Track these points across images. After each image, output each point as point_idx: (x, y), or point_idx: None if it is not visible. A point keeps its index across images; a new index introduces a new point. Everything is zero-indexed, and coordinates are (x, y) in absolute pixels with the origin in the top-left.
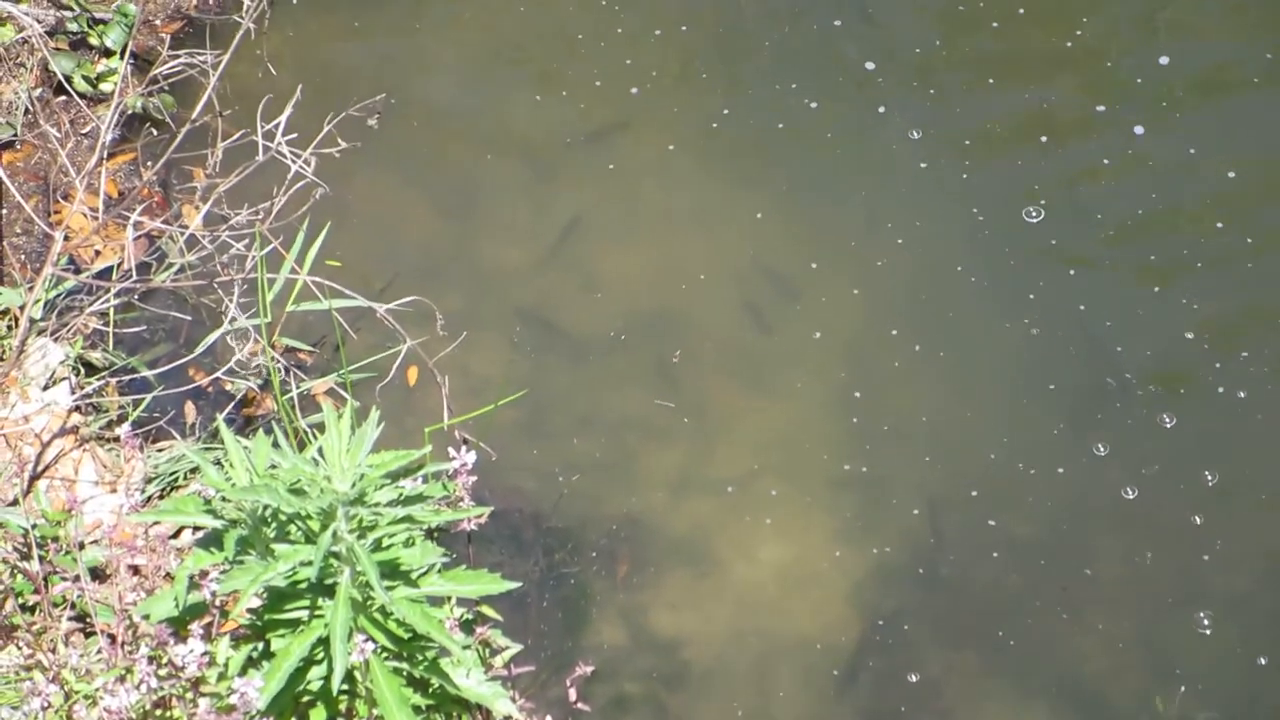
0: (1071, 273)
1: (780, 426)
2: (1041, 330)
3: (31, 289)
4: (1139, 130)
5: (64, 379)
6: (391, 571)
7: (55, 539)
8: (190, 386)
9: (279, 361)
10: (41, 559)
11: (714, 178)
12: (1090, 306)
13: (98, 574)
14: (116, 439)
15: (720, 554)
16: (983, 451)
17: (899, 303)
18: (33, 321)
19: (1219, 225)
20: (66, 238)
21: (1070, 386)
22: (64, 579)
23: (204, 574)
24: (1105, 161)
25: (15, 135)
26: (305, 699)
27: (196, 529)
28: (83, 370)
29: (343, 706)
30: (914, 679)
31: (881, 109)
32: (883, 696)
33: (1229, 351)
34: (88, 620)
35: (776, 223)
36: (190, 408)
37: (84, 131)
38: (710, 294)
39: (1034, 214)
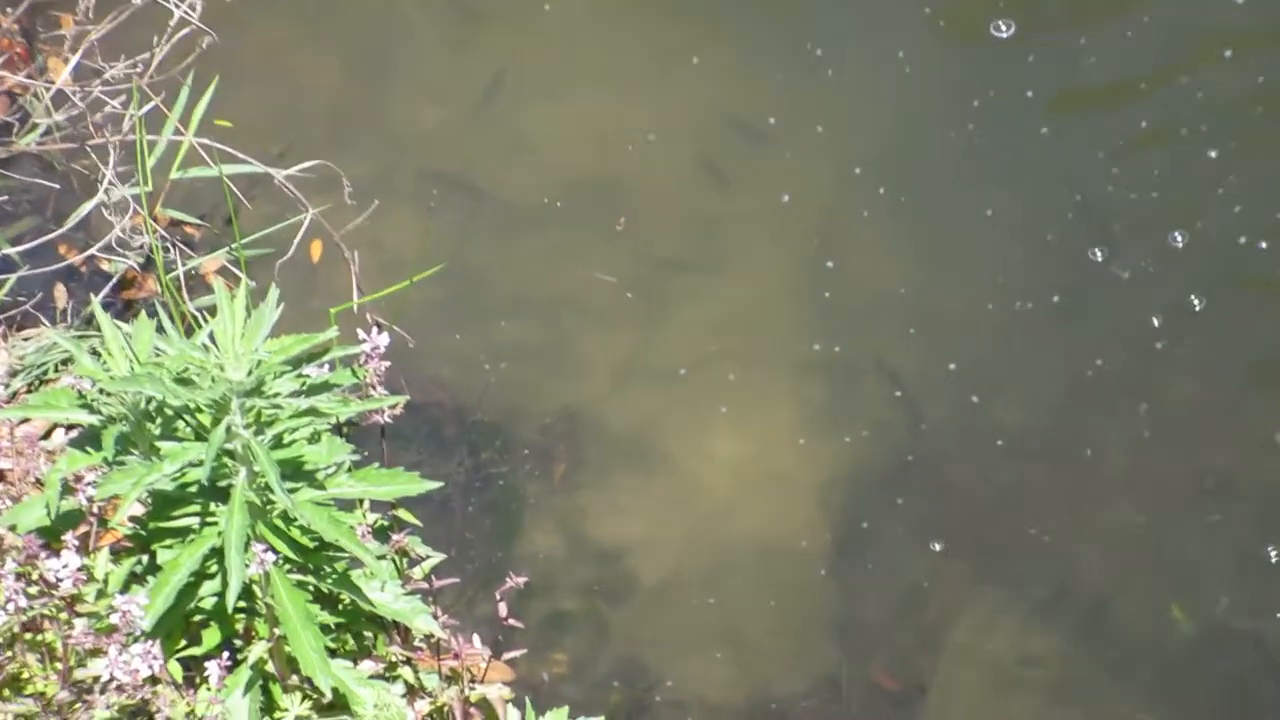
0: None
1: (740, 302)
2: (1030, 180)
3: None
4: None
5: None
6: (294, 471)
7: None
8: (60, 265)
9: (162, 236)
10: None
11: (663, 15)
12: (1077, 150)
13: None
14: None
15: (670, 449)
16: (970, 324)
17: (871, 152)
18: None
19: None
20: None
21: (1063, 246)
22: None
23: (79, 478)
24: None
25: None
26: (197, 618)
27: (70, 427)
28: None
29: (240, 626)
30: (893, 591)
31: None
32: (858, 610)
33: (1249, 207)
34: None
35: (731, 65)
36: (61, 290)
37: None
38: (659, 151)
39: (1003, 29)
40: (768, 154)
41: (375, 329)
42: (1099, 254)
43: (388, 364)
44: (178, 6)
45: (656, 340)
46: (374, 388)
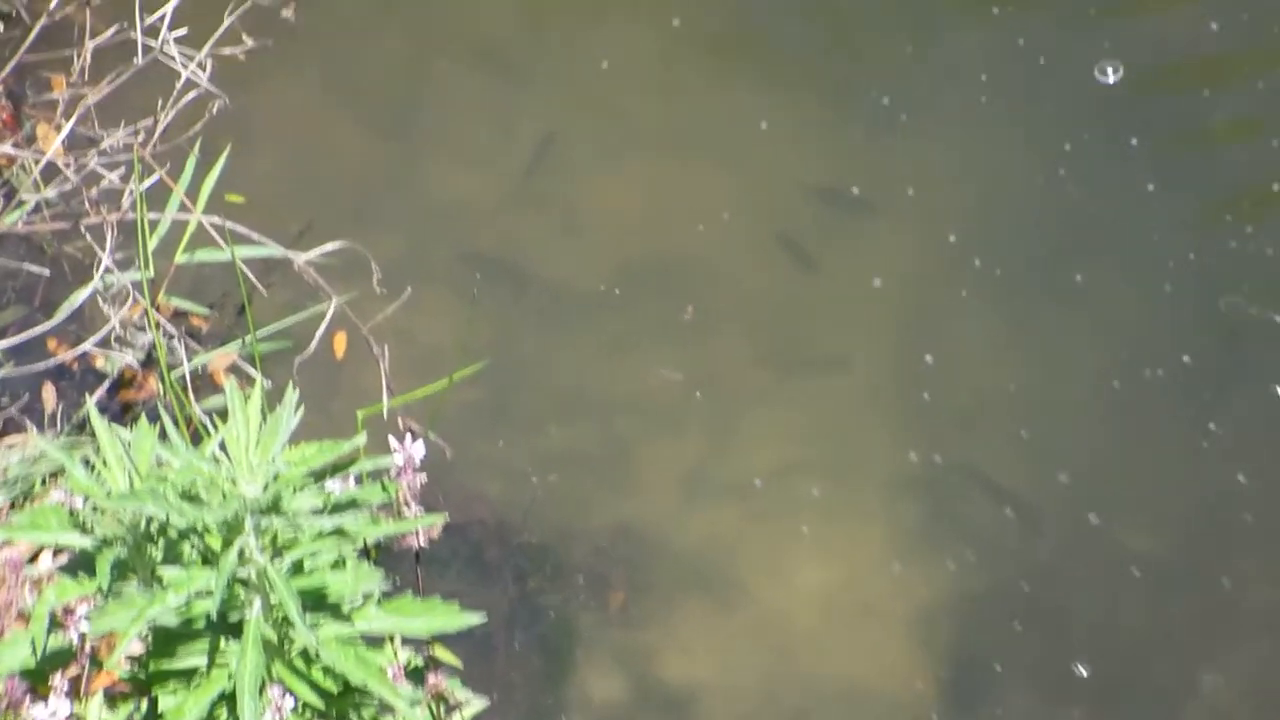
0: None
1: (824, 404)
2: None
3: None
4: None
5: None
6: (316, 603)
7: None
8: (50, 363)
9: (166, 329)
10: None
11: (727, 74)
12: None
13: None
14: None
15: (744, 576)
16: (1089, 417)
17: (966, 216)
18: None
19: None
20: None
21: (1183, 311)
22: None
23: (69, 610)
24: None
25: None
26: None
27: (60, 550)
28: None
29: None
30: None
31: None
32: None
33: None
34: None
35: (805, 128)
36: (50, 391)
37: None
38: (732, 228)
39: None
40: (855, 227)
41: (409, 436)
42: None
43: (423, 477)
44: (184, 66)
45: (728, 448)
46: (407, 505)
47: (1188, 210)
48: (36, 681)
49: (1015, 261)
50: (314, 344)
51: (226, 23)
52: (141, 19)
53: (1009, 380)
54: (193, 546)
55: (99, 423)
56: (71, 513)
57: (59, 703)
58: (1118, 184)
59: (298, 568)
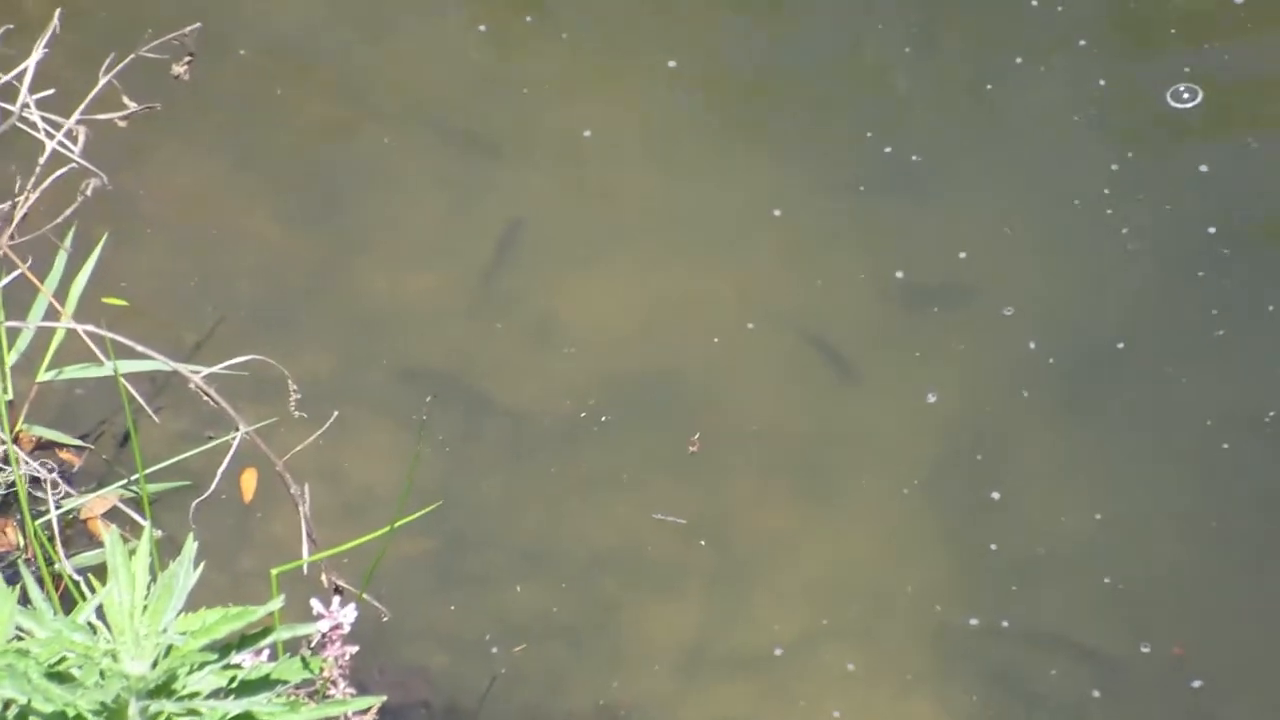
0: None
1: (862, 553)
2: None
3: None
4: None
5: None
6: None
7: None
8: None
9: (28, 465)
10: None
11: (731, 143)
12: None
13: None
14: None
15: None
16: (1195, 581)
17: (1040, 313)
18: None
19: None
20: None
21: None
22: None
23: None
24: None
25: None
26: None
27: None
28: None
29: None
30: None
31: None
32: None
33: None
34: None
35: (842, 217)
36: None
37: None
38: (747, 334)
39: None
40: (904, 324)
41: (336, 598)
42: None
43: (354, 649)
44: (50, 135)
45: (741, 608)
46: (334, 684)
47: None
48: None
49: (1098, 365)
50: (216, 482)
51: (103, 81)
52: None
53: (1091, 516)
54: None
55: None
56: None
57: None
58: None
59: None
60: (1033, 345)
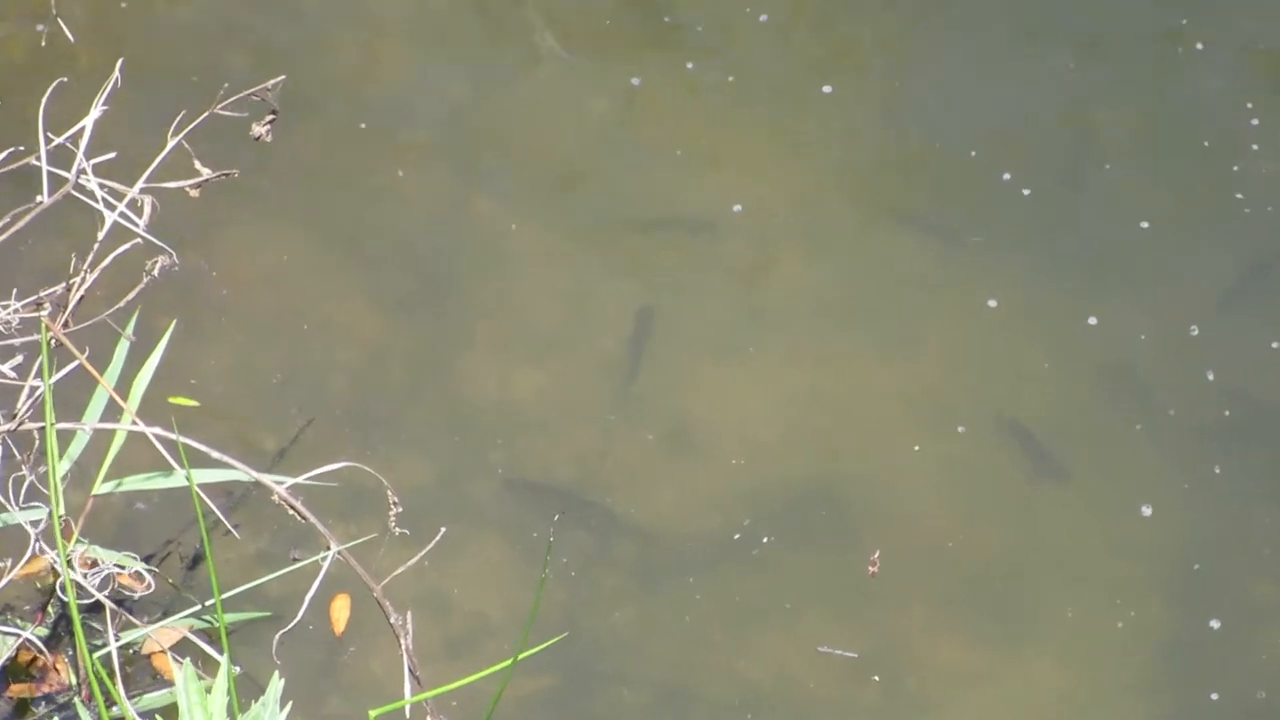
0: None
1: (1057, 697)
2: None
3: None
4: None
5: None
6: None
7: None
8: None
9: (84, 590)
10: None
11: (904, 221)
12: None
13: None
14: None
15: None
16: None
17: None
18: None
19: None
20: None
21: None
22: None
23: None
24: None
25: None
26: None
27: None
28: None
29: None
30: None
31: None
32: None
33: None
34: None
35: (1026, 308)
36: None
37: None
38: (932, 435)
39: None
40: (1123, 421)
41: None
42: None
43: None
44: (110, 206)
45: None
46: None
47: None
48: None
49: None
50: (303, 611)
51: (172, 143)
52: (47, 139)
53: None
54: None
55: None
56: None
57: None
58: None
59: None
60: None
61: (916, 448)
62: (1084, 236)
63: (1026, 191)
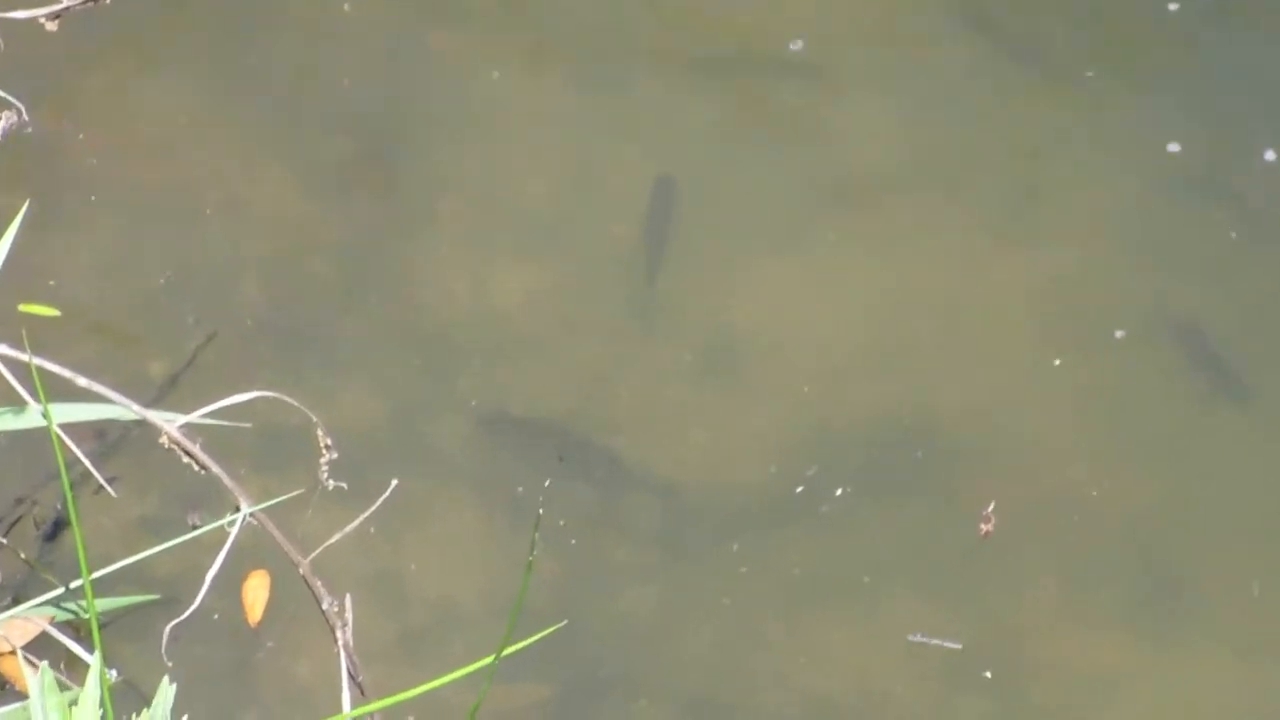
0: None
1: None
2: None
3: None
4: None
5: None
6: None
7: None
8: None
9: None
10: None
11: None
12: None
13: None
14: None
15: None
16: None
17: None
18: None
19: None
20: None
21: None
22: None
23: None
24: None
25: None
26: None
27: None
28: None
29: None
30: None
31: None
32: None
33: None
34: None
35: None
36: None
37: None
38: (1066, 348)
39: None
40: None
41: None
42: None
43: None
44: None
45: None
46: None
47: None
48: None
49: None
50: (202, 593)
51: None
52: None
53: None
54: None
55: None
56: None
57: None
58: None
59: None
60: None
61: (1046, 364)
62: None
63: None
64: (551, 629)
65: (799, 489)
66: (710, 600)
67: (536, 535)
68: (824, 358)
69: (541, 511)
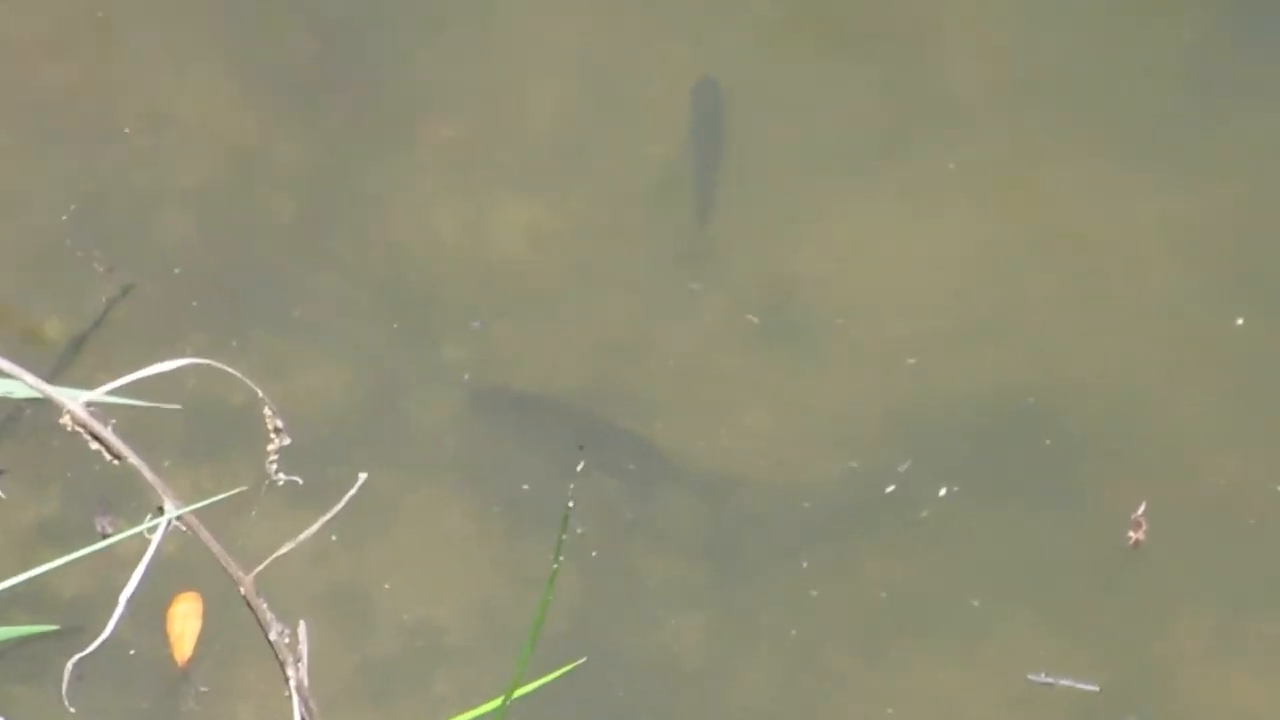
0: None
1: None
2: None
3: None
4: None
5: None
6: None
7: None
8: None
9: None
10: None
11: None
12: None
13: None
14: None
15: None
16: None
17: None
18: None
19: None
20: None
21: None
22: None
23: None
24: None
25: None
26: None
27: None
28: None
29: None
30: None
31: None
32: None
33: None
34: None
35: None
36: None
37: None
38: (1228, 318)
39: None
40: None
41: None
42: None
43: None
44: None
45: None
46: None
47: None
48: None
49: None
50: (114, 621)
51: None
52: None
53: None
54: None
55: None
56: None
57: None
58: None
59: None
60: None
61: (1221, 326)
62: None
63: None
64: (569, 666)
65: (889, 489)
66: (772, 631)
67: (564, 537)
68: (916, 319)
69: (571, 504)
